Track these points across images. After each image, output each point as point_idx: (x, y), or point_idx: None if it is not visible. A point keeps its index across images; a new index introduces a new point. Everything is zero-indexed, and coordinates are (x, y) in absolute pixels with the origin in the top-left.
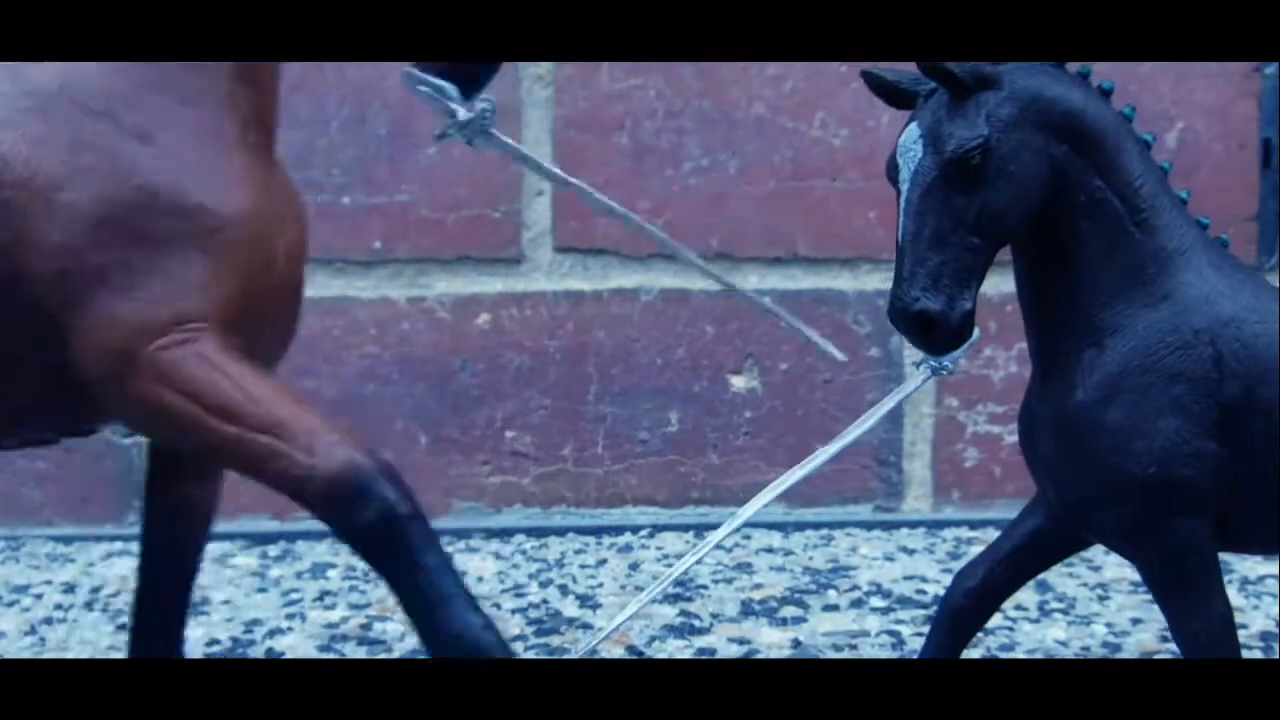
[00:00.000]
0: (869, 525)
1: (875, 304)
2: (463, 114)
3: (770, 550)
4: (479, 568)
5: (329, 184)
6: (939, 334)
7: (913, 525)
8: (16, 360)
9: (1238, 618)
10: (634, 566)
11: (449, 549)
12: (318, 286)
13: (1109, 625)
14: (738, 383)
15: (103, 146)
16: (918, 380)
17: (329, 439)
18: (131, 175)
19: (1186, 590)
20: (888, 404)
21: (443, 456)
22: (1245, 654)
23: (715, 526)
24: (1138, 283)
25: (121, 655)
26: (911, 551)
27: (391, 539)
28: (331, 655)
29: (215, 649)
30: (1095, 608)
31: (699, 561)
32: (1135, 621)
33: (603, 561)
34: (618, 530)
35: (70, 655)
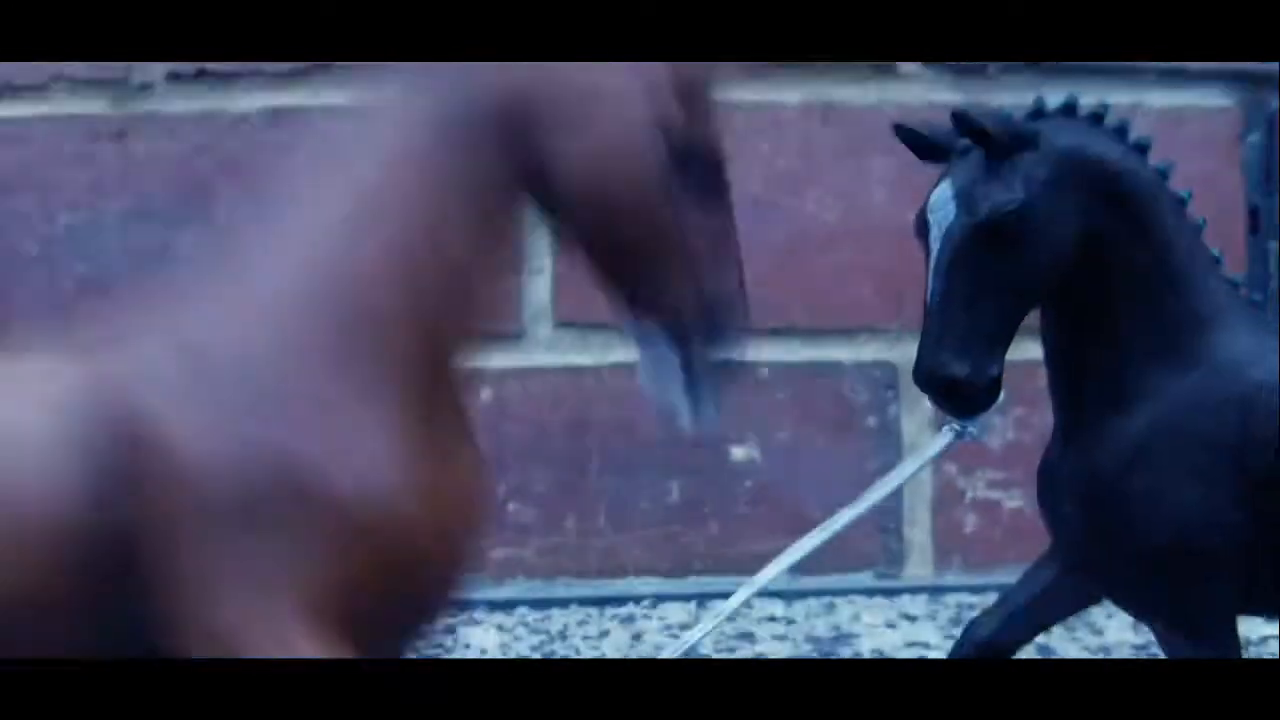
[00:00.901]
0: (871, 592)
1: (872, 375)
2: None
3: (773, 619)
4: (481, 640)
5: None
6: (966, 399)
7: (914, 591)
8: (110, 624)
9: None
10: (637, 637)
11: (451, 620)
12: None
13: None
14: (738, 453)
15: (258, 440)
16: (940, 444)
17: None
18: (277, 471)
19: (1198, 654)
20: (909, 468)
21: None
22: (1243, 655)
23: (717, 595)
24: (1169, 347)
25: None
26: (914, 618)
27: None
28: None
29: None
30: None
31: (711, 631)
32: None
33: (605, 633)
34: (620, 600)
35: None
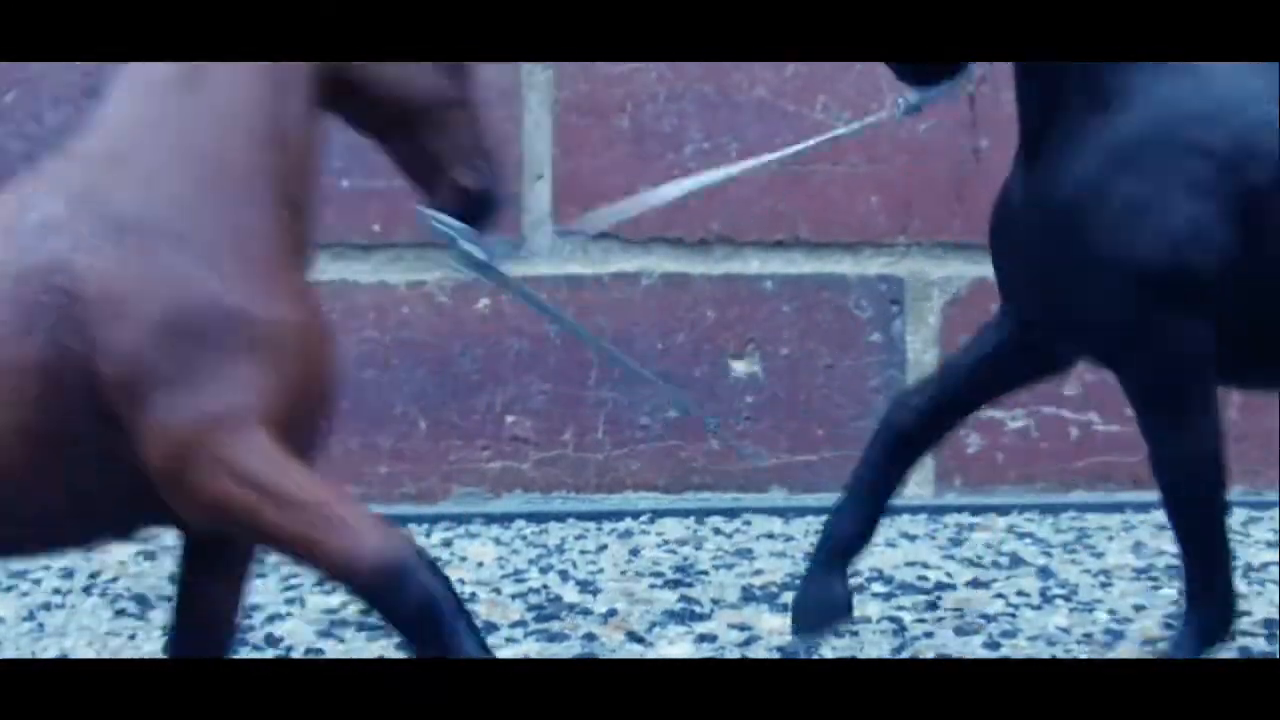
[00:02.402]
0: None
1: (877, 289)
2: (478, 253)
3: (771, 536)
4: (478, 553)
5: (328, 167)
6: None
7: (914, 511)
8: (84, 460)
9: (1240, 604)
10: (634, 552)
11: (448, 534)
12: (316, 270)
13: (1111, 612)
14: (739, 367)
15: (177, 268)
16: (885, 114)
17: (374, 529)
18: (200, 292)
19: (1176, 408)
20: (854, 126)
21: (442, 441)
22: (1247, 641)
23: (716, 512)
24: None
25: (119, 641)
26: (913, 538)
27: (432, 628)
28: (330, 641)
29: None
30: (1098, 594)
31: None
32: (1138, 608)
33: (603, 547)
34: (618, 516)
35: (69, 640)
